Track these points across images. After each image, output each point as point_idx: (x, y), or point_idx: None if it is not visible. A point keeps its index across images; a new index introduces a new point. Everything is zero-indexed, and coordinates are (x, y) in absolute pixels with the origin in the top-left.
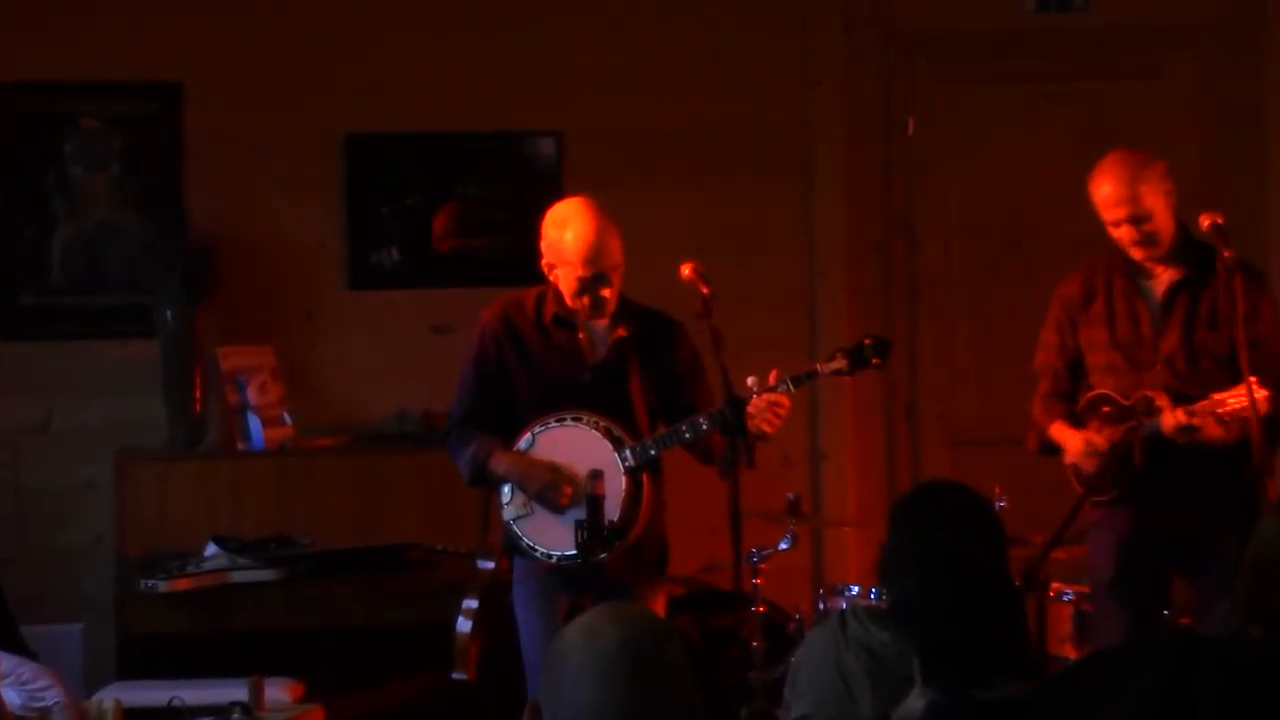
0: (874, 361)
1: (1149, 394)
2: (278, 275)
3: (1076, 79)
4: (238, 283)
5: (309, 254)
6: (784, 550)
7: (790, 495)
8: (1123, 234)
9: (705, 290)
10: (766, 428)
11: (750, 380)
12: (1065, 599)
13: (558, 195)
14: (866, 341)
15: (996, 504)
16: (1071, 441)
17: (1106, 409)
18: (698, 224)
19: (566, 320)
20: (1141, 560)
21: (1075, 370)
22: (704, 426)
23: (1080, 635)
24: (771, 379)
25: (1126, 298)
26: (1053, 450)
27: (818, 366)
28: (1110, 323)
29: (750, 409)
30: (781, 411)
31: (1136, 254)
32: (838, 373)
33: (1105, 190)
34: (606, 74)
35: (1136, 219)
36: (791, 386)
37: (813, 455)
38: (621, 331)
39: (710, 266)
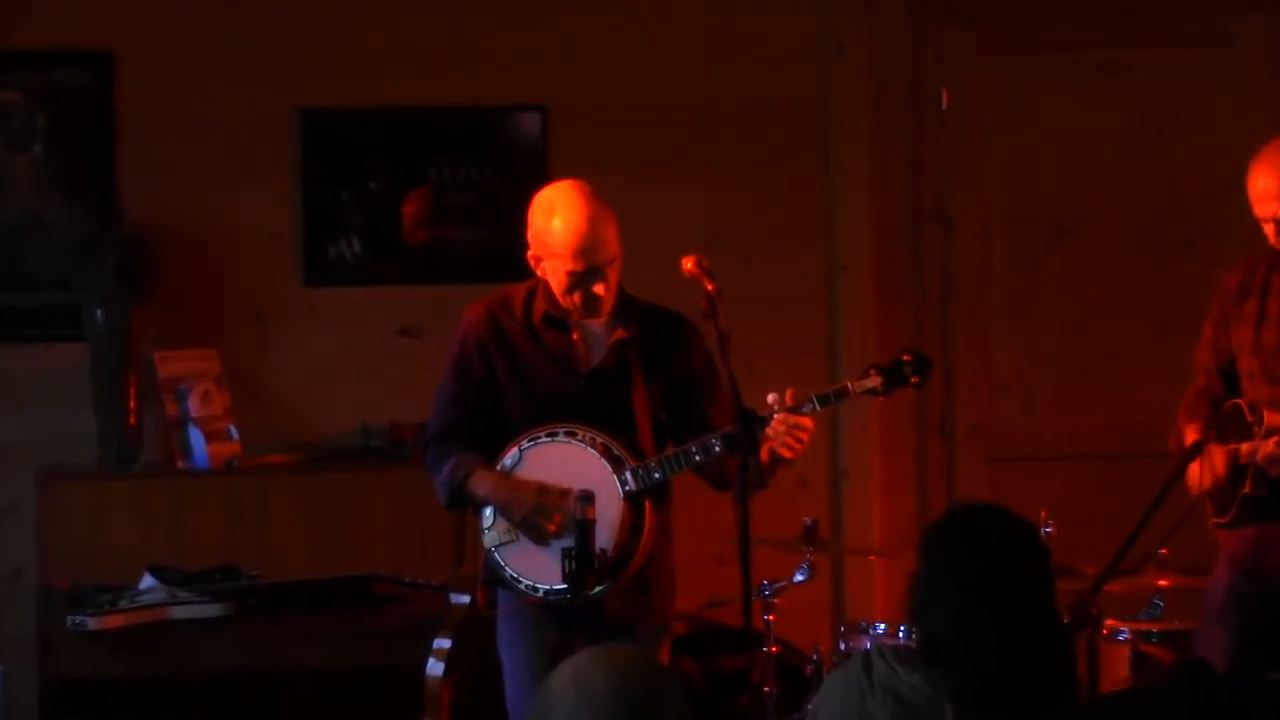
0: (913, 381)
1: (1265, 413)
2: (224, 270)
3: (1134, 47)
4: (178, 279)
5: (259, 246)
6: (800, 583)
7: (807, 520)
8: (1270, 231)
9: (710, 286)
10: (786, 453)
11: (770, 398)
12: (1120, 638)
13: (544, 178)
14: (904, 358)
15: (1042, 529)
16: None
17: (1235, 423)
18: (702, 212)
19: (558, 320)
20: (1253, 589)
21: (1229, 374)
22: (716, 448)
23: (1138, 679)
24: (789, 398)
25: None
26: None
27: (848, 384)
28: (1257, 325)
29: (769, 430)
30: (804, 435)
31: None
32: (871, 392)
33: (1259, 184)
34: (599, 41)
35: None
36: (817, 406)
37: (833, 474)
38: (622, 332)
39: (716, 260)
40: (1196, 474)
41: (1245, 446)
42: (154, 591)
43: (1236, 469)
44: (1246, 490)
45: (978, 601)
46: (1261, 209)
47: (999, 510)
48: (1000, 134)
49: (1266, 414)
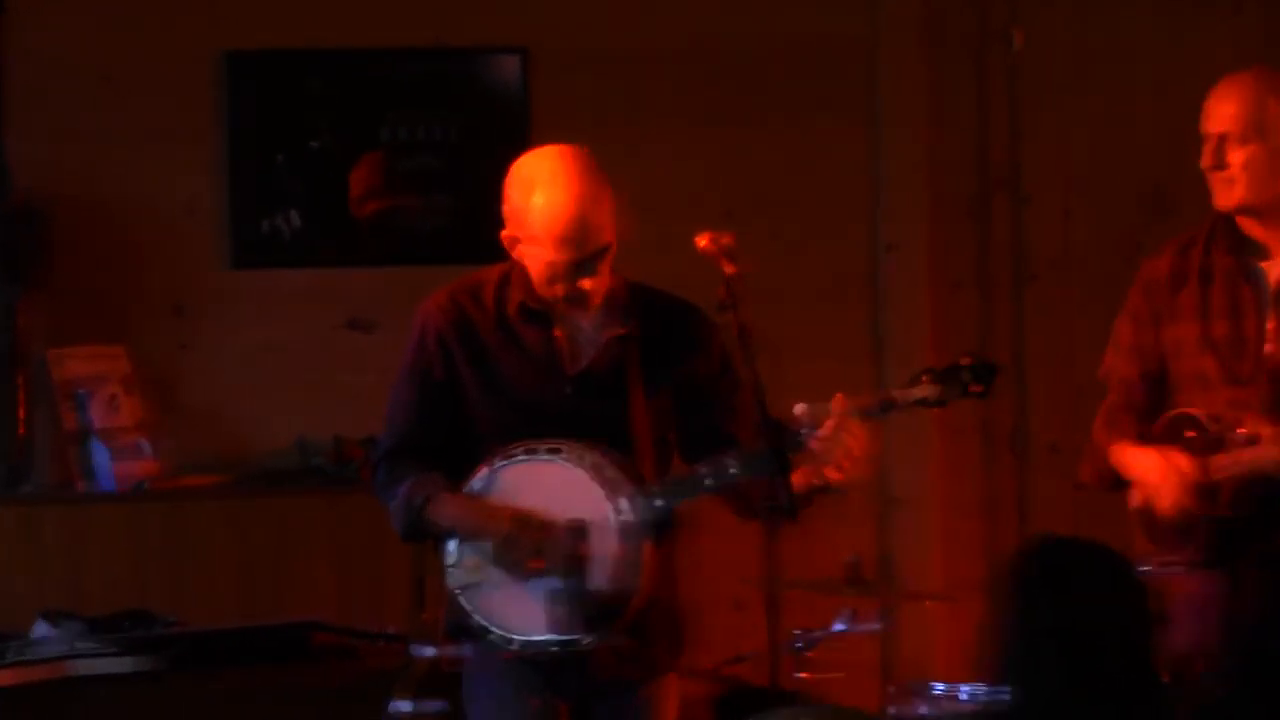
0: (973, 390)
1: (1244, 419)
2: (133, 250)
3: None
4: (78, 260)
5: (176, 220)
6: (840, 633)
7: (849, 556)
8: (1208, 152)
9: (730, 269)
10: (835, 474)
11: (799, 408)
12: None
13: (524, 139)
14: (963, 362)
15: (1137, 567)
16: (1145, 465)
17: (1190, 434)
18: (719, 178)
19: (539, 312)
20: (1246, 638)
21: (1155, 383)
22: (732, 471)
23: None
24: (837, 404)
25: (1229, 283)
26: (1117, 483)
27: (894, 394)
28: (1202, 317)
29: (814, 445)
30: (857, 450)
31: (1219, 195)
32: (922, 403)
33: (1211, 104)
34: None
35: (1229, 138)
36: (857, 421)
37: (881, 500)
38: (617, 328)
39: (737, 236)
40: (1154, 492)
41: (1222, 459)
42: (49, 643)
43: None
44: (1223, 513)
45: (1059, 657)
46: (1209, 124)
47: (1084, 545)
48: (1083, 83)
49: (1248, 417)
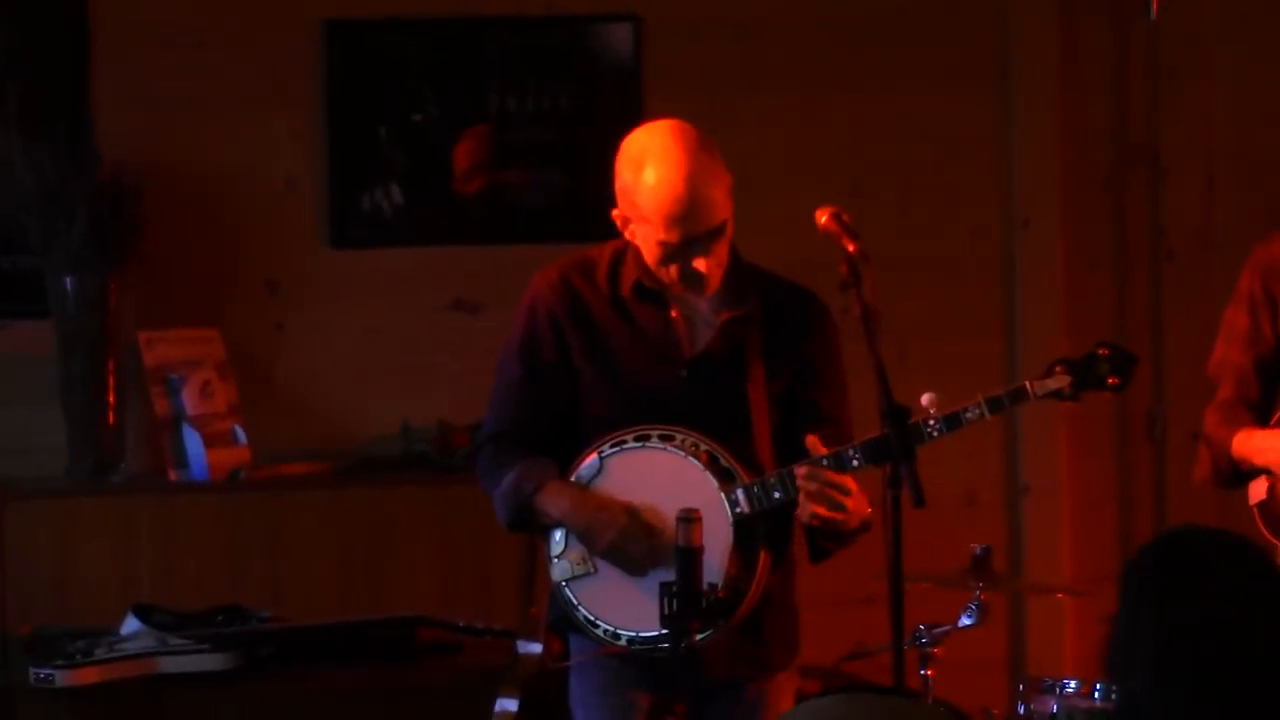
0: (1110, 382)
1: None
2: (227, 227)
3: None
4: (169, 238)
5: (273, 196)
6: (967, 627)
7: (977, 548)
8: None
9: (851, 248)
10: (820, 511)
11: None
12: None
13: (637, 111)
14: (1100, 352)
15: None
16: (1276, 447)
17: None
18: (842, 151)
19: (654, 292)
20: None
21: (1271, 373)
22: (855, 461)
23: None
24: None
25: None
26: (1238, 478)
27: (1027, 385)
28: None
29: (799, 481)
30: (845, 498)
31: None
32: (1056, 395)
33: None
34: None
35: None
36: (987, 412)
37: (1010, 489)
38: (734, 310)
39: (861, 213)
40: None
41: None
42: (139, 638)
43: None
44: None
45: (1190, 658)
46: None
47: (1224, 537)
48: (1227, 47)
49: None
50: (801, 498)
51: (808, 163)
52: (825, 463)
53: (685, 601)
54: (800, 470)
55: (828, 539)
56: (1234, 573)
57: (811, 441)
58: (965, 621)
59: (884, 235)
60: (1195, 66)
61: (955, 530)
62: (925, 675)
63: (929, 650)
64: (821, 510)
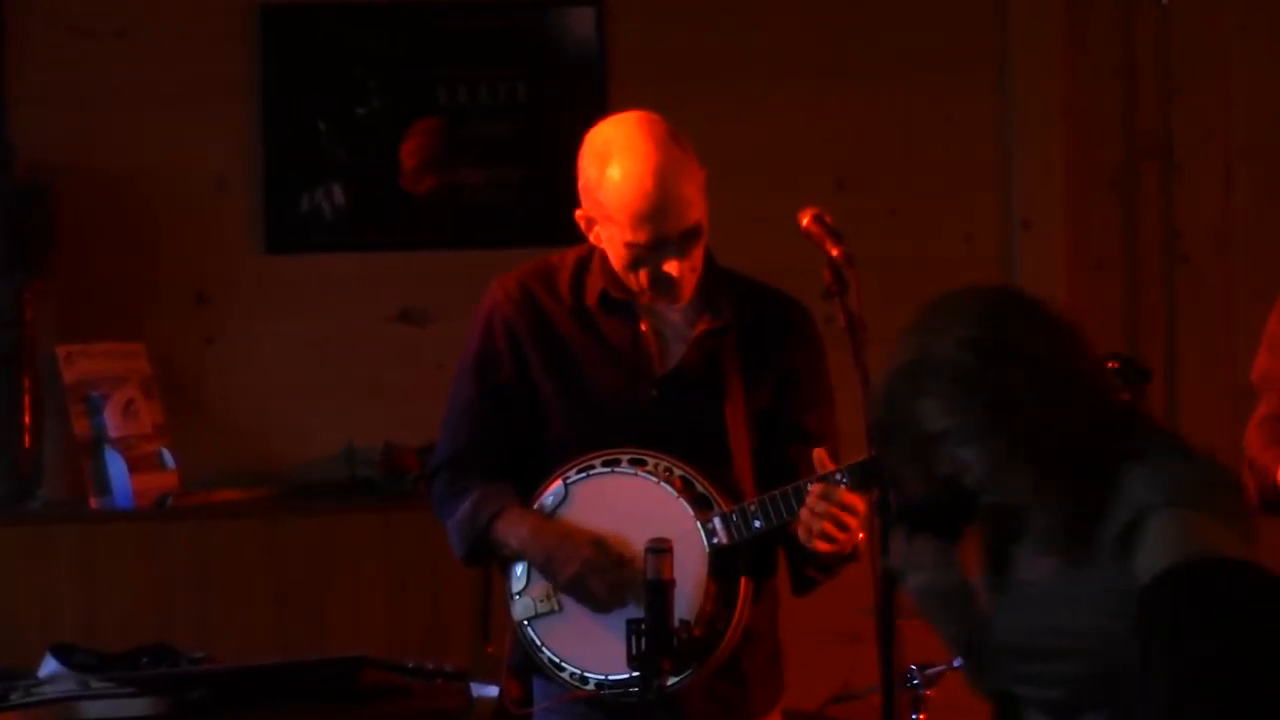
0: (1121, 398)
1: None
2: (153, 232)
3: None
4: (90, 244)
5: (202, 198)
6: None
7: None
8: None
9: (835, 252)
10: (826, 546)
11: None
12: None
13: (599, 102)
14: (1110, 365)
15: None
16: None
17: None
18: (826, 145)
19: (622, 303)
20: None
21: None
22: (842, 481)
23: None
24: (819, 465)
25: None
26: None
27: None
28: None
29: (802, 515)
30: (847, 518)
31: None
32: None
33: None
34: None
35: None
36: None
37: None
38: (710, 321)
39: (847, 214)
40: None
41: None
42: (59, 681)
43: None
44: None
45: (1204, 693)
46: None
47: (1241, 566)
48: (1244, 33)
49: None
50: (806, 517)
51: (788, 158)
52: (840, 478)
53: (655, 640)
54: (815, 489)
55: (819, 568)
56: (1252, 603)
57: (819, 456)
58: (960, 662)
59: (872, 237)
60: (1210, 54)
61: None
62: (917, 719)
63: (922, 692)
64: (833, 532)
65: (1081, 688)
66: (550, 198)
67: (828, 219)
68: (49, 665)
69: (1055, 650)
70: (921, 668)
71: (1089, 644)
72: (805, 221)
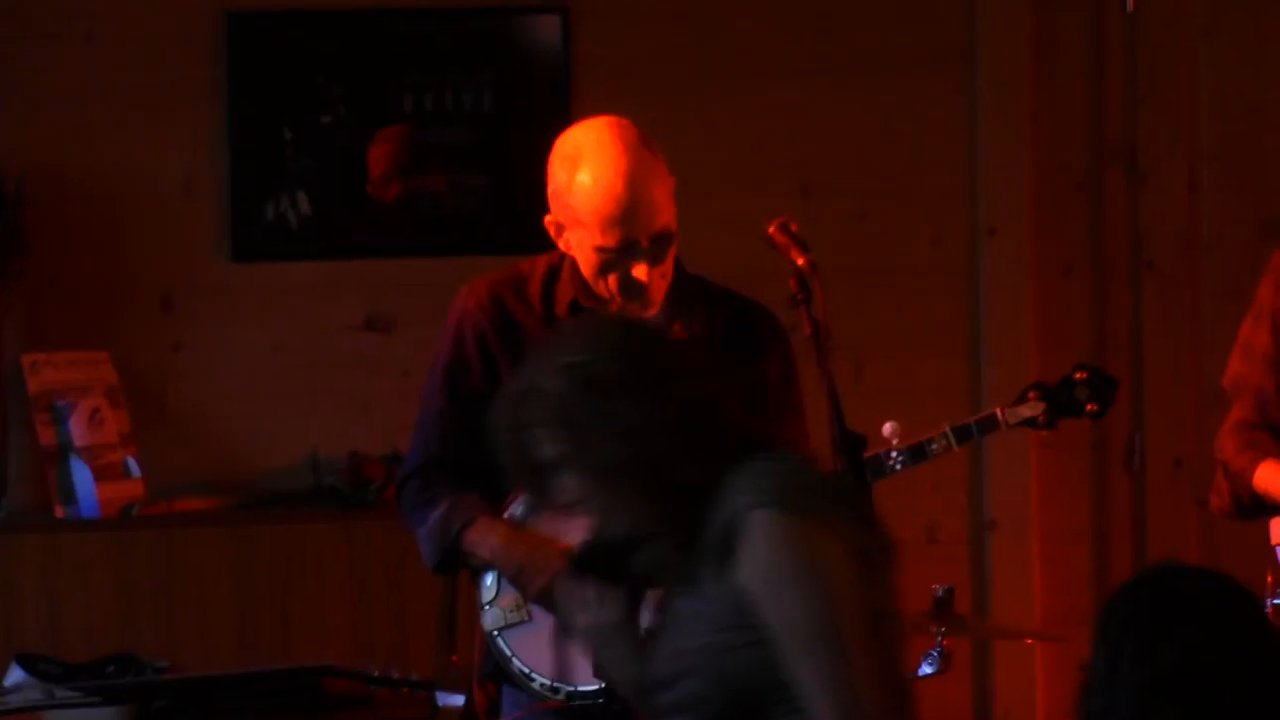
0: (1089, 409)
1: None
2: (118, 239)
3: None
4: (54, 251)
5: (168, 205)
6: (928, 677)
7: (938, 589)
8: None
9: (801, 260)
10: None
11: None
12: None
13: (565, 109)
14: (1078, 376)
15: (1268, 602)
16: None
17: None
18: (789, 151)
19: (592, 311)
20: None
21: None
22: None
23: None
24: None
25: None
26: (1258, 508)
27: (998, 413)
28: None
29: None
30: None
31: None
32: (1030, 423)
33: None
34: None
35: None
36: (954, 443)
37: (975, 524)
38: (680, 330)
39: (813, 221)
40: None
41: None
42: (24, 690)
43: None
44: None
45: (1172, 704)
46: None
47: (1208, 576)
48: (1212, 39)
49: None
50: None
51: (754, 163)
52: None
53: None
54: None
55: None
56: (1218, 614)
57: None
58: (925, 670)
59: (838, 243)
60: (1176, 60)
61: (914, 570)
62: None
63: None
64: None
65: (708, 708)
66: (516, 205)
67: (793, 227)
68: (14, 674)
69: (678, 674)
70: None
71: (702, 661)
72: (770, 231)
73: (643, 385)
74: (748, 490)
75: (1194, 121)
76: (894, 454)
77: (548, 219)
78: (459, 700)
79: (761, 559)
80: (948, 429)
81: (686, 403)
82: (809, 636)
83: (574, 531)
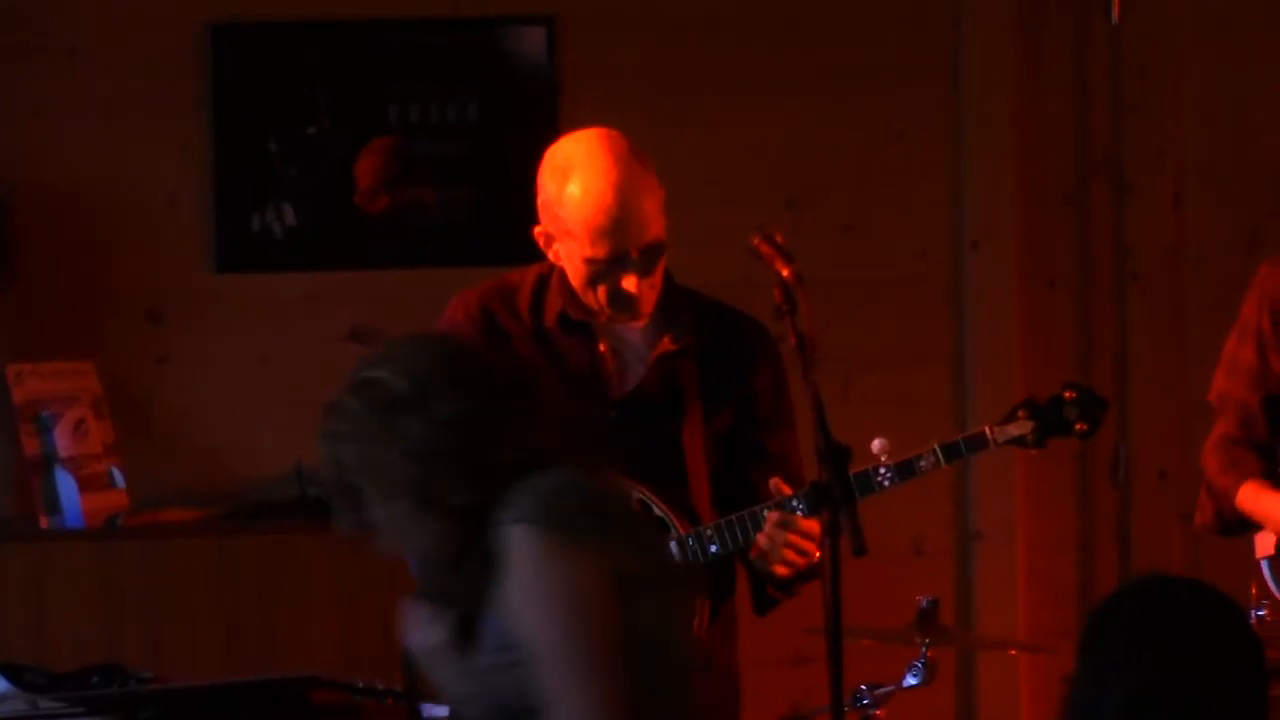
0: (1078, 428)
1: None
2: (104, 250)
3: None
4: (40, 262)
5: (153, 216)
6: (913, 688)
7: (923, 600)
8: None
9: (785, 271)
10: (784, 570)
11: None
12: None
13: (551, 120)
14: (1067, 395)
15: (1252, 613)
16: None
17: None
18: (774, 163)
19: (580, 324)
20: None
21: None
22: (799, 508)
23: None
24: (775, 492)
25: None
26: (1241, 526)
27: (987, 431)
28: None
29: (759, 537)
30: (805, 545)
31: None
32: (1019, 442)
33: None
34: None
35: None
36: (942, 460)
37: (960, 536)
38: (669, 342)
39: (798, 232)
40: None
41: None
42: (9, 700)
43: None
44: None
45: (1158, 715)
46: None
47: (1194, 587)
48: (1197, 53)
49: None
50: (765, 545)
51: (739, 175)
52: (796, 505)
53: None
54: (773, 516)
55: (779, 588)
56: (1205, 626)
57: (775, 484)
58: (910, 681)
59: (823, 255)
60: (1161, 71)
61: (899, 581)
62: None
63: (871, 713)
64: (794, 559)
65: None
66: (503, 216)
67: (778, 238)
68: None
69: (470, 696)
70: (871, 688)
71: (484, 682)
72: (754, 242)
73: (425, 404)
74: (510, 507)
75: (1179, 134)
76: (883, 470)
77: (537, 230)
78: (443, 712)
79: (514, 576)
80: (936, 447)
81: (470, 422)
82: (554, 654)
83: None
